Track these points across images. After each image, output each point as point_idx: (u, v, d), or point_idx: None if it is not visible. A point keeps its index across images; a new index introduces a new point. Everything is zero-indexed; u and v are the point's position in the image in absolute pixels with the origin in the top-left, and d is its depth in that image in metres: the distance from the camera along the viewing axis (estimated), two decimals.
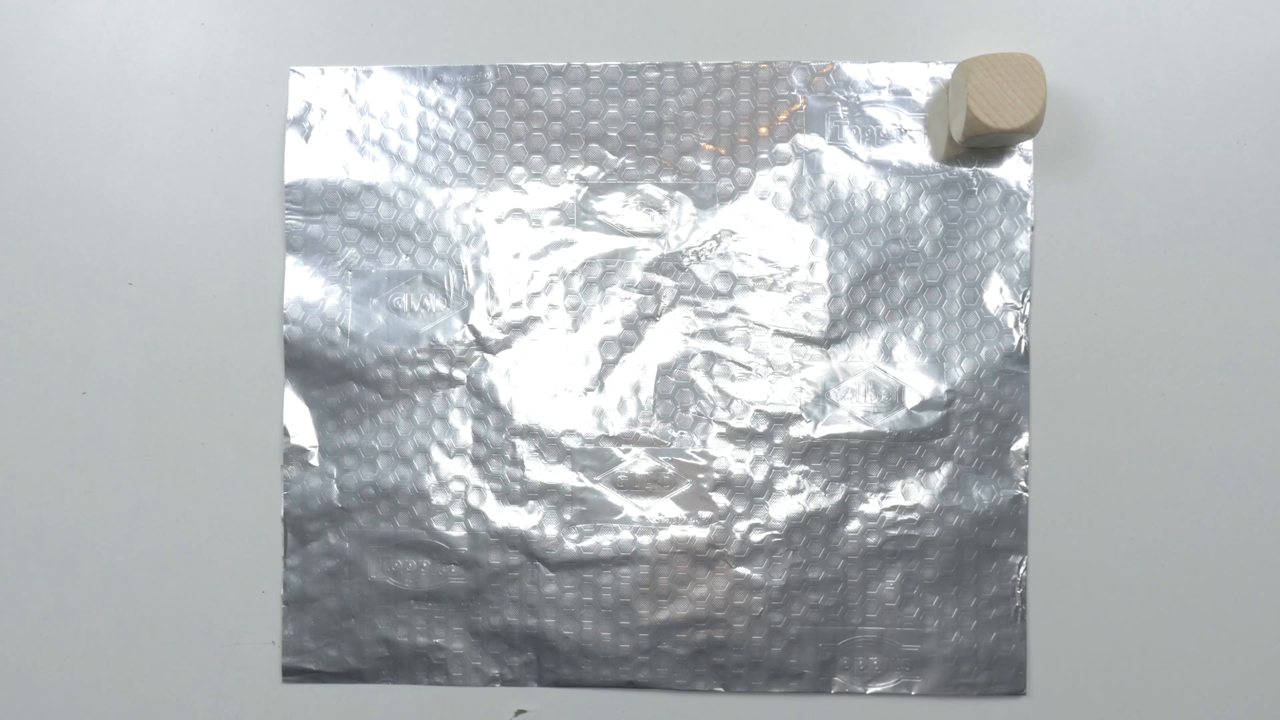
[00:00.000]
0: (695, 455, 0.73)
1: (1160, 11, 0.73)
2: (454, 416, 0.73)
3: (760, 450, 0.72)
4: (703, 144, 0.73)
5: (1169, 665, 0.72)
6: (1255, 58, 0.73)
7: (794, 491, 0.72)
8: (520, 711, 0.74)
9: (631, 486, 0.73)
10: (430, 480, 0.73)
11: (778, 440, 0.72)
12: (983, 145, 0.71)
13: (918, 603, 0.72)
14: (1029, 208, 0.71)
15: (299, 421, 0.74)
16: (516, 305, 0.73)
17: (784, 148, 0.73)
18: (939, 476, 0.72)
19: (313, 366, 0.74)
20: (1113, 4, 0.73)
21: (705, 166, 0.73)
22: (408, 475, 0.73)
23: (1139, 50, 0.73)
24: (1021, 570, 0.71)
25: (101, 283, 0.76)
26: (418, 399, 0.73)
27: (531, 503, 0.73)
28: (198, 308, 0.76)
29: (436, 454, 0.73)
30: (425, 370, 0.73)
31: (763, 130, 0.73)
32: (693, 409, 0.73)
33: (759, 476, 0.72)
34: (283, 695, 0.75)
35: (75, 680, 0.76)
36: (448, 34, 0.76)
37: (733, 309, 0.73)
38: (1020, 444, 0.71)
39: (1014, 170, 0.72)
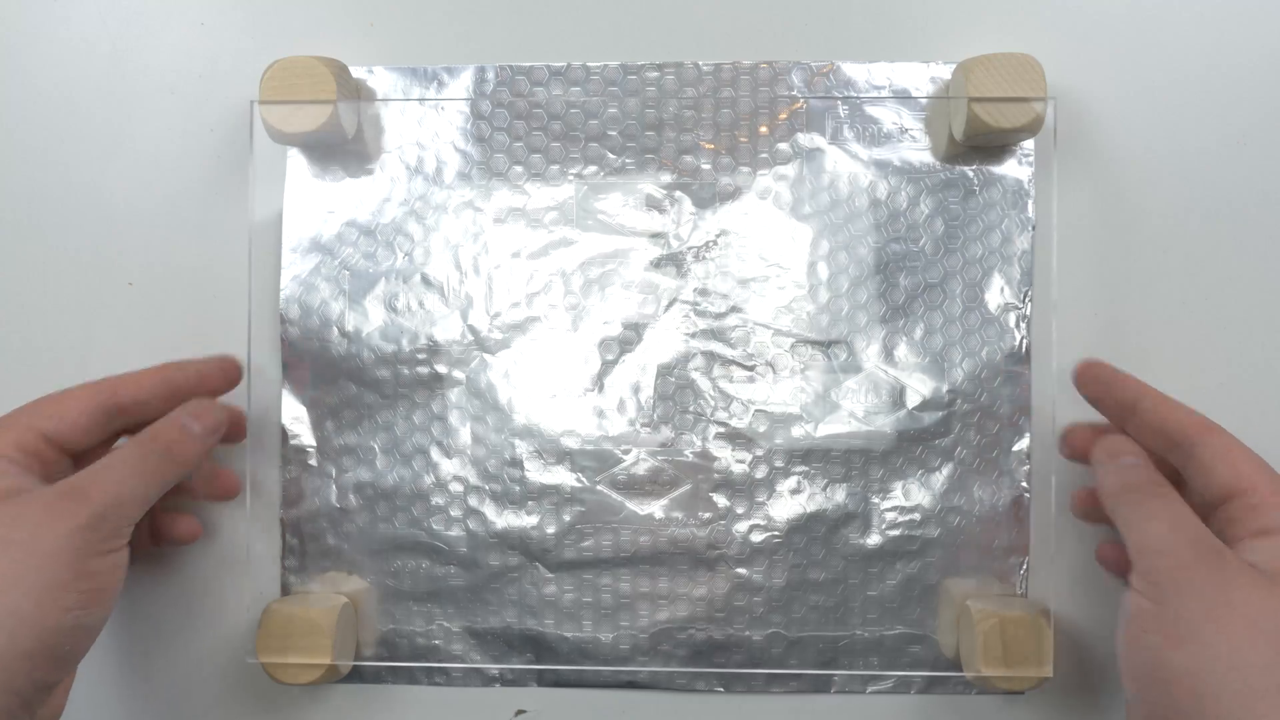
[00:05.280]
0: (695, 456, 0.72)
1: (1161, 11, 0.73)
2: (453, 417, 0.73)
3: (760, 450, 0.72)
4: (703, 143, 0.73)
5: None
6: (1256, 57, 0.73)
7: (794, 492, 0.72)
8: (520, 712, 0.74)
9: (631, 487, 0.73)
10: (429, 480, 0.73)
11: (778, 440, 0.72)
12: (984, 144, 0.71)
13: (918, 603, 0.72)
14: (1030, 207, 0.71)
15: (298, 422, 0.74)
16: (515, 305, 0.73)
17: (784, 147, 0.73)
18: (940, 477, 0.71)
19: (311, 367, 0.74)
20: (1113, 3, 0.73)
21: (705, 166, 0.73)
22: (407, 476, 0.73)
23: (1139, 50, 0.73)
24: (1022, 571, 0.71)
25: (101, 283, 0.76)
26: (416, 399, 0.73)
27: (531, 503, 0.73)
28: (197, 308, 0.76)
29: (435, 454, 0.73)
30: (424, 370, 0.73)
31: (763, 130, 0.73)
32: (692, 409, 0.73)
33: (759, 477, 0.72)
34: (280, 696, 0.75)
35: (74, 680, 0.76)
36: (448, 34, 0.76)
37: (733, 309, 0.72)
38: (1021, 444, 0.71)
39: (1015, 170, 0.72)
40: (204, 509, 0.75)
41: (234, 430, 0.72)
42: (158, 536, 0.73)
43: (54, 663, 0.59)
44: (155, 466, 0.64)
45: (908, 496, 0.72)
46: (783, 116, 0.73)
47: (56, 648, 0.59)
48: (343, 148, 0.73)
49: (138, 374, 0.69)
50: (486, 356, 0.73)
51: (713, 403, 0.73)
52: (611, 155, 0.73)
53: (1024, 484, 0.71)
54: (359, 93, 0.73)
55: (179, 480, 0.67)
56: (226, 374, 0.71)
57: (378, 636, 0.74)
